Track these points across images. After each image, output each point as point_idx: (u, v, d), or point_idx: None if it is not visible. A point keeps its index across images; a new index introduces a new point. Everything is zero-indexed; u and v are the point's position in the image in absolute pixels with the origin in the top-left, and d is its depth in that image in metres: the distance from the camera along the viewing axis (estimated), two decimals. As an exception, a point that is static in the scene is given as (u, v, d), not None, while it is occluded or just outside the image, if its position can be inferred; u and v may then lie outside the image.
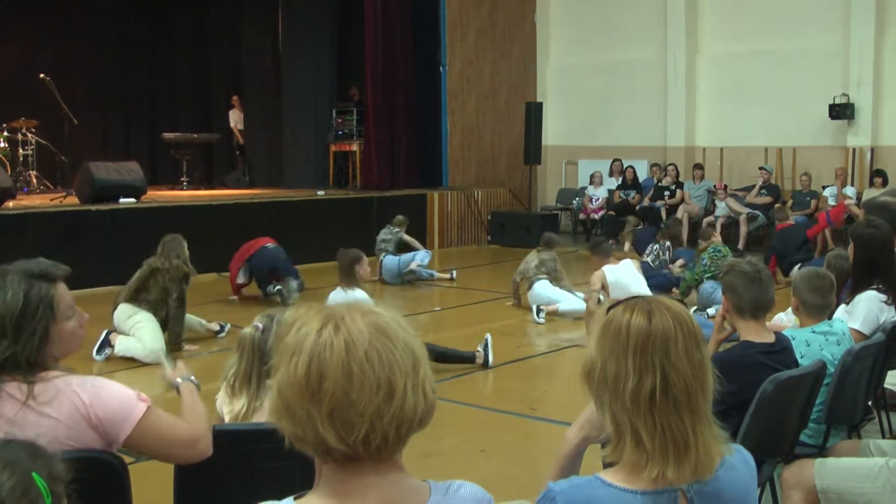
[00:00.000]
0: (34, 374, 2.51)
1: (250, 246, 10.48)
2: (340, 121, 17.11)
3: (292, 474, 2.34)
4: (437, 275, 12.04)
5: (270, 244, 10.43)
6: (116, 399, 2.55)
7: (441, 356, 7.10)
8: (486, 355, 7.36)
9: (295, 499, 1.64)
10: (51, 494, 1.55)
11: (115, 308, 7.98)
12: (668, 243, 11.44)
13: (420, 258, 11.74)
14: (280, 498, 1.64)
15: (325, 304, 1.66)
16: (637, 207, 15.56)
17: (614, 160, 16.72)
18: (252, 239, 10.63)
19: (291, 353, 1.58)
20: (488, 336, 7.52)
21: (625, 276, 8.93)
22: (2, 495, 1.48)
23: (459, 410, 6.28)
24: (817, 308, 4.27)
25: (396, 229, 12.20)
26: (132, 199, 12.20)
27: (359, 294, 7.38)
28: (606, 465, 1.98)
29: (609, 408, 1.94)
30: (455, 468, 5.12)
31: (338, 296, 7.42)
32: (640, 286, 8.66)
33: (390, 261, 11.79)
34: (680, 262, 11.21)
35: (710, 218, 14.82)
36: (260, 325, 3.61)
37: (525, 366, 7.72)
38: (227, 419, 3.54)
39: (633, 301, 1.99)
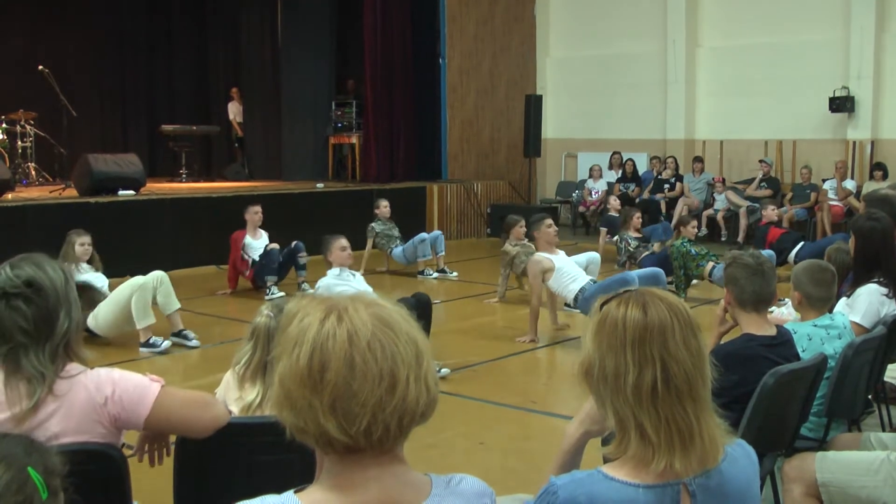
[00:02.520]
0: (65, 363, 2.55)
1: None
2: (340, 113, 17.09)
3: (293, 468, 2.33)
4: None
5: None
6: (131, 384, 2.59)
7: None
8: None
9: (295, 492, 1.63)
10: (47, 489, 1.54)
11: None
12: (627, 234, 11.49)
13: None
14: (280, 492, 1.63)
15: (327, 296, 1.65)
16: (637, 200, 15.54)
17: (614, 153, 16.72)
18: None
19: (294, 344, 1.58)
20: None
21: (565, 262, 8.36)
22: None
23: (459, 403, 6.27)
24: (821, 301, 4.26)
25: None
26: (131, 192, 12.19)
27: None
28: (607, 462, 1.97)
29: (611, 404, 1.93)
30: (454, 461, 5.13)
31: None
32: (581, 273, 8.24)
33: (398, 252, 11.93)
34: (657, 245, 11.32)
35: (710, 211, 14.84)
36: (272, 314, 3.58)
37: (525, 358, 7.71)
38: (235, 408, 3.52)
39: (626, 295, 1.98)
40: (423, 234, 11.86)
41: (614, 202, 13.71)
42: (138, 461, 2.80)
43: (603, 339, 1.94)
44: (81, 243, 8.35)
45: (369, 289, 7.78)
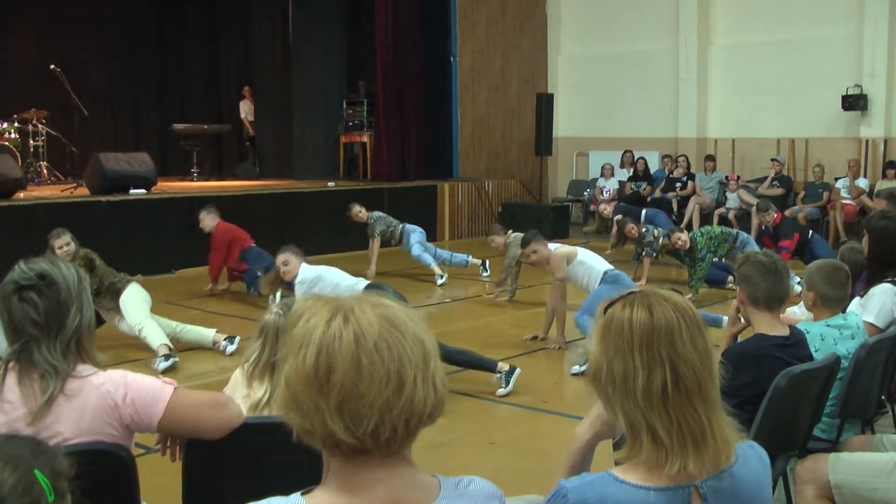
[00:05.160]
0: (76, 362, 2.58)
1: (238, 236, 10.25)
2: (351, 112, 17.09)
3: (301, 468, 2.33)
4: (471, 260, 11.68)
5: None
6: (144, 387, 2.60)
7: (462, 361, 6.54)
8: (506, 383, 6.51)
9: (302, 494, 1.62)
10: (54, 491, 1.53)
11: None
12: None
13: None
14: (288, 493, 1.62)
15: (333, 297, 1.63)
16: (648, 199, 15.52)
17: (625, 151, 16.69)
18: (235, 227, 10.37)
19: (300, 345, 1.57)
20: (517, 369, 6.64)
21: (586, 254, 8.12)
22: (3, 493, 1.45)
23: (469, 402, 6.26)
24: (835, 301, 4.22)
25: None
26: (142, 190, 12.22)
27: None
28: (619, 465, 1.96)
29: (621, 408, 1.91)
30: (464, 460, 5.11)
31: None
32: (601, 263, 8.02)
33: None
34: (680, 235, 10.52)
35: (722, 210, 14.79)
36: (281, 312, 3.58)
37: (537, 358, 7.69)
38: (243, 406, 3.52)
39: (630, 297, 1.96)
40: (413, 230, 11.58)
41: (604, 209, 13.30)
42: (161, 456, 2.81)
43: (609, 342, 1.92)
44: (60, 246, 7.50)
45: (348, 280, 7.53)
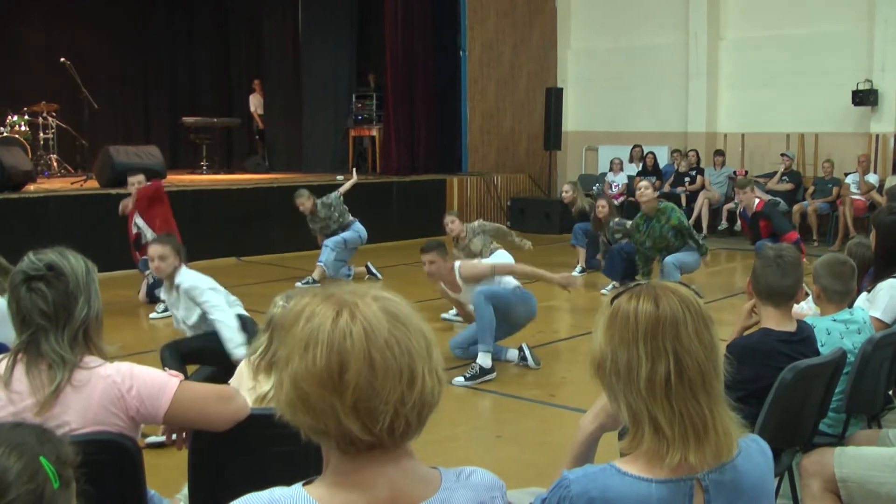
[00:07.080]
0: (83, 353, 2.60)
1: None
2: (360, 105, 17.09)
3: (307, 458, 2.33)
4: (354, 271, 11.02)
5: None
6: (150, 379, 2.62)
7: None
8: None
9: (304, 485, 1.62)
10: (59, 478, 1.53)
11: None
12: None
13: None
14: (293, 483, 1.63)
15: (331, 292, 1.61)
16: (658, 193, 15.46)
17: (634, 146, 16.64)
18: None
19: (306, 345, 1.54)
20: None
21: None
22: (9, 479, 1.46)
23: (477, 396, 6.27)
24: (838, 295, 4.21)
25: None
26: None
27: None
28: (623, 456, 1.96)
29: (624, 398, 1.91)
30: (471, 454, 5.11)
31: None
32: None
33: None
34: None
35: (731, 205, 14.75)
36: (287, 304, 3.58)
37: (544, 351, 7.68)
38: (248, 399, 3.53)
39: (637, 288, 1.97)
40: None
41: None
42: (166, 442, 2.83)
43: (615, 332, 1.92)
44: None
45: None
